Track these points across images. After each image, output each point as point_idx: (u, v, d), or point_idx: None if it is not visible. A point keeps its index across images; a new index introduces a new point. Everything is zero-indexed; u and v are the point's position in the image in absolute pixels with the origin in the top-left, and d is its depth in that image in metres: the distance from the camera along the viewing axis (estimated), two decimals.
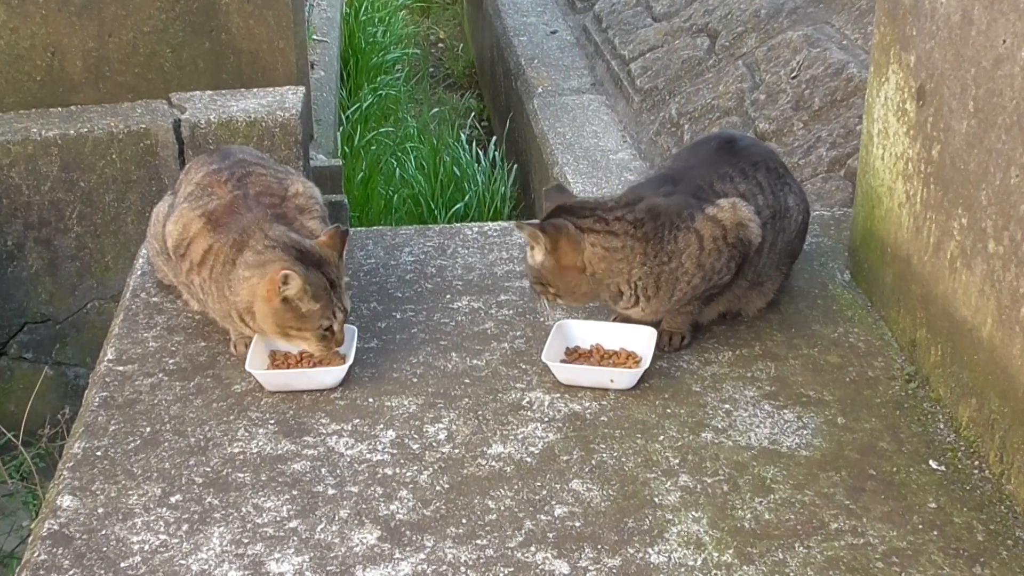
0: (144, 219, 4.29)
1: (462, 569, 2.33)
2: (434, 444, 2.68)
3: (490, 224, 3.76)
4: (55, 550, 2.39)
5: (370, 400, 2.84)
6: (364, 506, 2.51)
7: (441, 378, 2.93)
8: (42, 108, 4.63)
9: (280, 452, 2.66)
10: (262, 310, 2.79)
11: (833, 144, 4.52)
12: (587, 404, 2.82)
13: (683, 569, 2.33)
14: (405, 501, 2.52)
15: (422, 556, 2.36)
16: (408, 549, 2.38)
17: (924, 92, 2.88)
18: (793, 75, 5.02)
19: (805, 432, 2.72)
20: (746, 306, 3.16)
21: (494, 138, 7.12)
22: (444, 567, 2.34)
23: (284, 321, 2.80)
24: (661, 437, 2.70)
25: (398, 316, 3.21)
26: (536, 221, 2.90)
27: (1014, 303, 2.46)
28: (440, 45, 9.70)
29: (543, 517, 2.47)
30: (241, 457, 2.65)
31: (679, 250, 2.89)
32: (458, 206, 6.26)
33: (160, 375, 2.95)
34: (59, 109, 4.62)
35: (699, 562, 2.34)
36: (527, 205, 6.38)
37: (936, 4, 2.78)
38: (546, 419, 2.77)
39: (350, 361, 2.90)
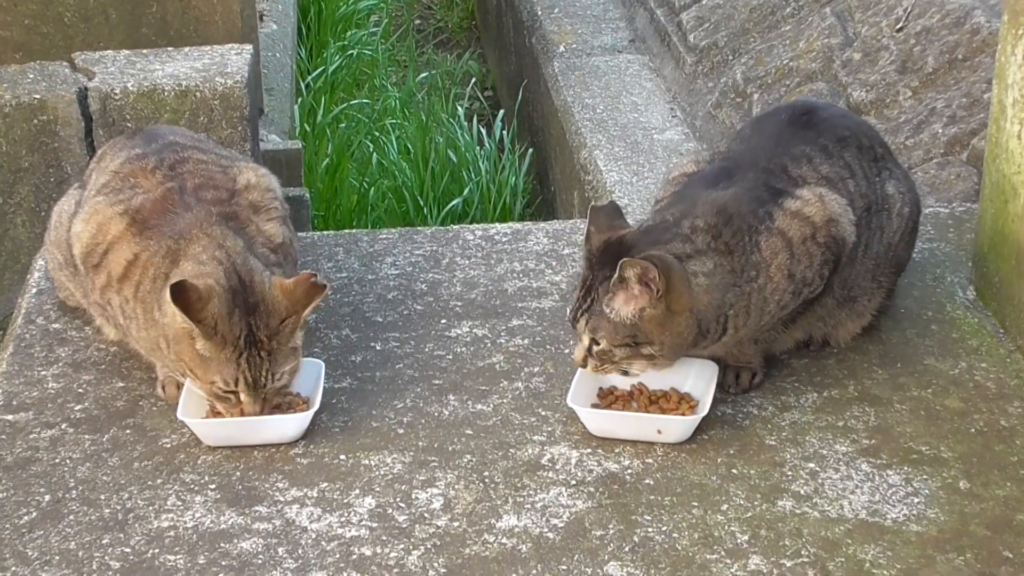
0: (40, 220, 4.32)
1: None
2: (426, 515, 2.71)
3: (497, 226, 3.79)
4: None
5: (342, 457, 2.87)
6: None
7: (435, 428, 2.96)
8: None
9: (223, 527, 2.69)
10: (171, 326, 2.82)
11: (952, 118, 4.54)
12: (627, 462, 2.85)
13: None
14: None
15: None
16: None
17: None
18: (899, 27, 5.05)
19: (917, 500, 2.74)
20: (835, 331, 3.19)
21: (501, 113, 7.14)
22: None
23: (181, 350, 2.82)
24: (724, 506, 2.73)
25: (378, 347, 3.24)
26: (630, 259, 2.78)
27: None
28: None
29: None
30: (172, 534, 2.67)
31: (765, 260, 2.91)
32: (455, 202, 6.27)
33: (63, 426, 2.98)
34: None
35: None
36: (545, 200, 6.40)
37: None
38: (573, 482, 2.79)
39: (315, 407, 2.93)
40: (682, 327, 2.84)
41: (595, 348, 2.86)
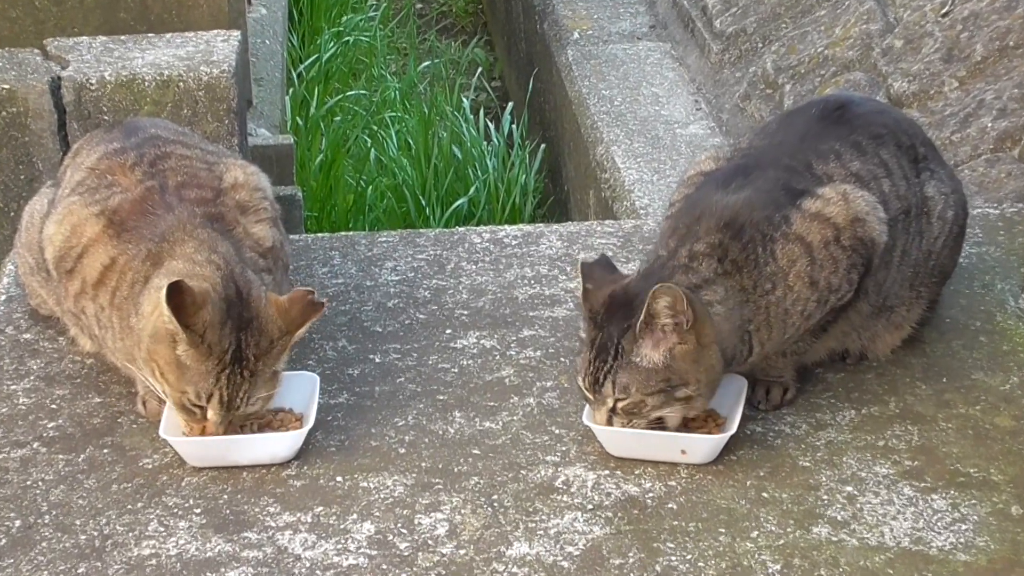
0: (9, 221, 4.33)
1: None
2: (430, 542, 2.71)
3: (507, 228, 3.80)
4: None
5: (338, 479, 2.88)
6: None
7: (439, 448, 2.96)
8: None
9: (210, 554, 2.69)
10: (151, 324, 2.82)
11: (1003, 111, 4.55)
12: (648, 485, 2.85)
13: None
14: None
15: None
16: None
17: None
18: (944, 11, 5.05)
19: (964, 527, 2.74)
20: (872, 343, 3.20)
21: (510, 105, 7.16)
22: None
23: (157, 350, 2.81)
24: (755, 533, 2.73)
25: (377, 359, 3.24)
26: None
27: None
28: None
29: None
30: (153, 562, 2.68)
31: (782, 270, 2.92)
32: (460, 202, 6.29)
33: (35, 445, 2.98)
34: None
35: None
36: (558, 200, 6.41)
37: None
38: (590, 506, 2.80)
39: (309, 424, 2.93)
40: (713, 360, 2.84)
41: (620, 404, 2.84)
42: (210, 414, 2.84)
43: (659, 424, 2.87)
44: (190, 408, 2.84)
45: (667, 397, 2.83)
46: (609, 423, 2.86)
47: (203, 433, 2.86)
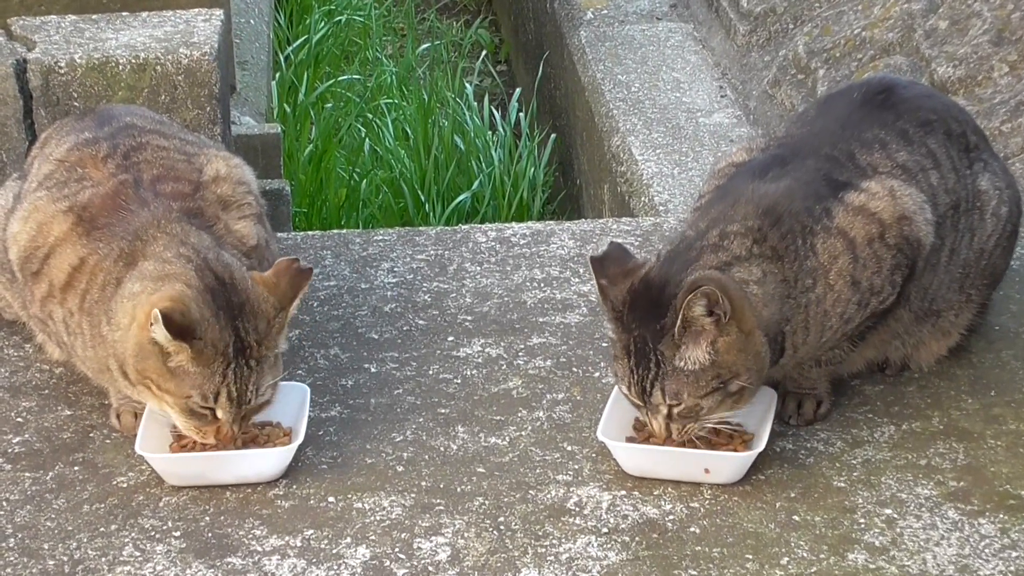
0: None
1: None
2: (431, 568, 2.72)
3: (514, 226, 3.80)
4: None
5: (330, 500, 2.88)
6: None
7: (440, 465, 2.97)
8: None
9: None
10: (132, 339, 2.83)
11: None
12: (668, 507, 2.86)
13: None
14: None
15: None
16: None
17: None
18: None
19: (1015, 554, 2.74)
20: (915, 352, 3.21)
21: (517, 91, 7.16)
22: None
23: (146, 366, 2.82)
24: (785, 559, 2.73)
25: (373, 369, 3.25)
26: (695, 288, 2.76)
27: None
28: None
29: None
30: None
31: (823, 266, 2.92)
32: (463, 198, 6.29)
33: None
34: None
35: None
36: (570, 195, 6.42)
37: None
38: (605, 530, 2.80)
39: (299, 440, 2.94)
40: (759, 345, 2.84)
41: (676, 410, 2.84)
42: (219, 413, 2.84)
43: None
44: (199, 412, 2.84)
45: (722, 395, 2.84)
46: (668, 432, 2.86)
47: (218, 434, 2.85)
